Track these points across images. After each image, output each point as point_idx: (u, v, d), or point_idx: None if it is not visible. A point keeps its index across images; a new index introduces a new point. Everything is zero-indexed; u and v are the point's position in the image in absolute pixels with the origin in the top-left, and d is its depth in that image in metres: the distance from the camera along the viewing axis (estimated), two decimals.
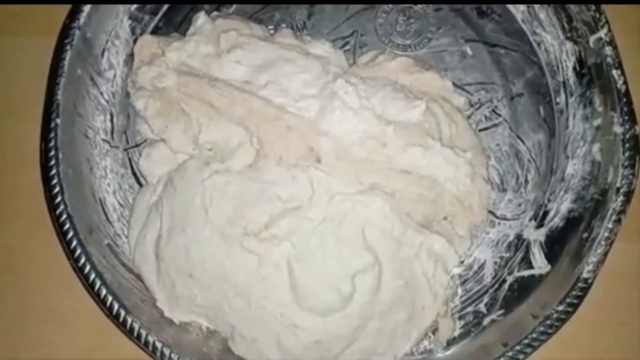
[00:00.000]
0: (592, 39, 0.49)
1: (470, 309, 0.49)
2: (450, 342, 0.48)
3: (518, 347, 0.45)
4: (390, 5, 0.53)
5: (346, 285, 0.44)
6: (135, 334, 0.45)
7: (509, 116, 0.51)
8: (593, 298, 0.46)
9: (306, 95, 0.46)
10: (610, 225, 0.46)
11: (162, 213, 0.46)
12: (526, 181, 0.50)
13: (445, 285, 0.48)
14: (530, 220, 0.50)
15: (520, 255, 0.49)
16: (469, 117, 0.51)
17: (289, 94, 0.46)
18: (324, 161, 0.45)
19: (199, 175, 0.46)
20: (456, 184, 0.47)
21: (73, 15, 0.49)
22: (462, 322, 0.49)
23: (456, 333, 0.48)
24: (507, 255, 0.50)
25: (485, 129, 0.51)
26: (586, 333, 0.49)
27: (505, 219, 0.50)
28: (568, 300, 0.45)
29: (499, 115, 0.51)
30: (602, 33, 0.48)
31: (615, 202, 0.46)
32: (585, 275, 0.46)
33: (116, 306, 0.45)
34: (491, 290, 0.49)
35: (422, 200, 0.46)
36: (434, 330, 0.48)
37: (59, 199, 0.46)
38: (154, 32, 0.52)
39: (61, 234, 0.46)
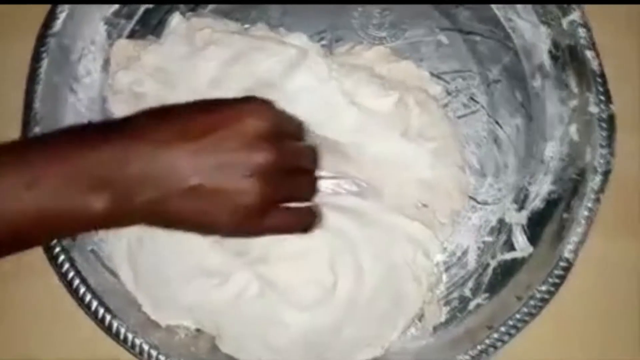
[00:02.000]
0: (565, 21, 0.49)
1: (455, 294, 0.49)
2: (436, 328, 0.48)
3: (503, 329, 0.46)
4: None
5: (326, 274, 0.45)
6: (122, 337, 0.45)
7: (487, 102, 0.52)
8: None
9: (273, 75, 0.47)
10: (589, 205, 0.47)
11: None
12: (506, 165, 0.51)
13: (429, 272, 0.48)
14: (511, 203, 0.50)
15: (503, 238, 0.50)
16: (446, 105, 0.52)
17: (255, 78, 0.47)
18: None
19: None
20: (417, 172, 0.48)
21: (48, 23, 0.49)
22: (448, 308, 0.49)
23: (442, 319, 0.49)
24: (490, 239, 0.50)
25: (464, 116, 0.52)
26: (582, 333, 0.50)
27: (487, 203, 0.51)
28: (551, 280, 0.46)
29: (477, 102, 0.52)
30: (575, 15, 0.49)
31: (594, 182, 0.47)
32: (566, 255, 0.46)
33: (101, 311, 0.45)
34: (475, 275, 0.50)
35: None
36: (420, 318, 0.48)
37: None
38: (131, 35, 0.53)
39: (47, 245, 0.46)
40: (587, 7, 0.49)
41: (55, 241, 0.46)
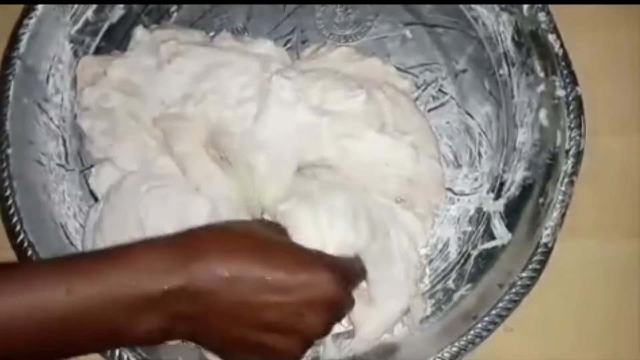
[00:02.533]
0: (525, 7, 0.49)
1: (439, 286, 0.49)
2: (422, 322, 0.48)
3: (487, 319, 0.45)
4: None
5: None
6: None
7: (456, 93, 0.52)
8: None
9: (244, 99, 0.47)
10: (563, 188, 0.47)
11: (102, 231, 0.47)
12: (480, 155, 0.51)
13: (416, 264, 0.48)
14: (488, 192, 0.50)
15: (482, 228, 0.50)
16: (416, 99, 0.52)
17: (227, 102, 0.47)
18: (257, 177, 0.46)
19: (135, 191, 0.46)
20: (399, 167, 0.47)
21: (12, 46, 0.49)
22: (433, 301, 0.49)
23: (428, 312, 0.49)
24: (469, 229, 0.50)
25: (434, 108, 0.52)
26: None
27: (464, 194, 0.51)
28: (531, 266, 0.46)
29: (446, 93, 0.52)
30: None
31: (566, 165, 0.47)
32: (544, 240, 0.46)
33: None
34: (457, 267, 0.50)
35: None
36: (406, 312, 0.48)
37: (18, 227, 0.47)
38: (97, 52, 0.53)
39: (24, 260, 0.46)
40: (555, 8, 0.49)
41: (26, 244, 0.46)
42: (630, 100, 0.52)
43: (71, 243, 0.49)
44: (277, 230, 0.43)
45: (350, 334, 0.47)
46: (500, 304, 0.46)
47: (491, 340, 0.46)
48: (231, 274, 0.36)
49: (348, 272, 0.42)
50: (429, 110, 0.52)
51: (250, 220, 0.47)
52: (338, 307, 0.40)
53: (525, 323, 0.48)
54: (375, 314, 0.46)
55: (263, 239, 0.40)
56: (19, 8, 0.50)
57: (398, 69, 0.52)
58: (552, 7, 0.49)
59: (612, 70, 0.52)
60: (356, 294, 0.43)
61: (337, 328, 0.47)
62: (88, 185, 0.50)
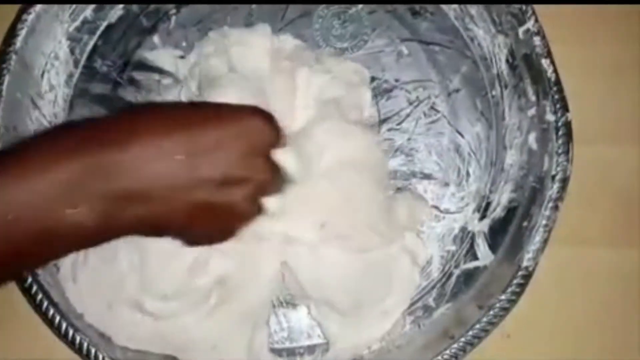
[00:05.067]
0: (520, 30, 0.49)
1: (419, 304, 0.49)
2: (400, 338, 0.48)
3: (464, 339, 0.45)
4: (326, 10, 0.54)
5: None
6: (85, 351, 0.45)
7: (448, 111, 0.52)
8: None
9: None
10: (547, 213, 0.47)
11: None
12: (468, 174, 0.51)
13: (411, 294, 0.49)
14: (473, 212, 0.51)
15: (465, 247, 0.50)
16: (408, 115, 0.52)
17: None
18: None
19: None
20: None
21: (9, 40, 0.49)
22: (412, 317, 0.49)
23: (407, 328, 0.49)
24: (453, 248, 0.50)
25: (425, 125, 0.52)
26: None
27: (450, 212, 0.51)
28: (510, 289, 0.46)
29: (438, 111, 0.52)
30: (529, 24, 0.49)
31: (552, 190, 0.47)
32: (525, 263, 0.46)
33: (64, 325, 0.45)
34: (439, 285, 0.50)
35: None
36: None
37: None
38: (94, 50, 0.53)
39: None
40: (544, 17, 0.49)
41: None
42: (621, 109, 0.53)
43: None
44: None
45: (326, 347, 0.48)
46: (478, 325, 0.46)
47: (488, 347, 0.47)
48: (157, 140, 0.35)
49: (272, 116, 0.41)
50: (420, 127, 0.52)
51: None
52: (272, 145, 0.39)
53: (522, 329, 0.49)
54: (354, 335, 0.46)
55: (184, 105, 0.40)
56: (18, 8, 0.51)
57: (393, 84, 0.52)
58: (542, 15, 0.49)
59: (602, 80, 0.53)
60: (338, 311, 0.44)
61: (314, 339, 0.48)
62: None
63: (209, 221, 0.38)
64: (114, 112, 0.51)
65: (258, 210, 0.40)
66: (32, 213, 0.34)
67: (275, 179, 0.41)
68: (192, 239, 0.41)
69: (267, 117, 0.39)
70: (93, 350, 0.45)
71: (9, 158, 0.35)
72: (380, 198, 0.48)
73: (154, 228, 0.38)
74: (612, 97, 0.53)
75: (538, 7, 0.49)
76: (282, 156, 0.41)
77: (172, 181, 0.36)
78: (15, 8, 0.50)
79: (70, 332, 0.45)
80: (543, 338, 0.50)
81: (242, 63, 0.46)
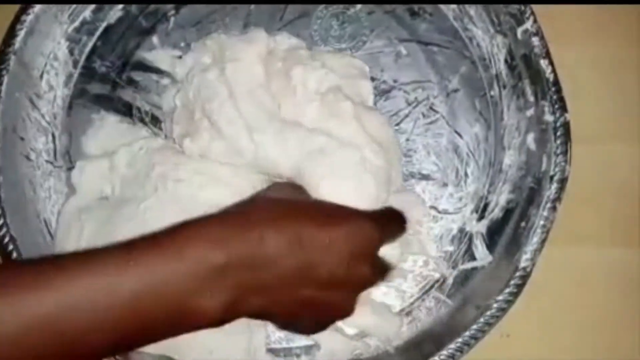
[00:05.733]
0: (519, 31, 0.49)
1: (416, 304, 0.49)
2: (397, 339, 0.48)
3: (461, 340, 0.45)
4: (325, 11, 0.54)
5: None
6: None
7: (446, 112, 0.52)
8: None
9: None
10: (545, 213, 0.47)
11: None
12: (466, 175, 0.51)
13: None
14: (472, 212, 0.51)
15: (463, 248, 0.50)
16: (407, 115, 0.52)
17: None
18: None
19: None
20: None
21: (8, 40, 0.49)
22: (410, 318, 0.49)
23: (404, 329, 0.49)
24: (451, 249, 0.50)
25: (424, 125, 0.52)
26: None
27: (448, 213, 0.51)
28: (508, 290, 0.46)
29: (437, 111, 0.52)
30: (528, 24, 0.49)
31: (550, 190, 0.47)
32: (523, 264, 0.46)
33: None
34: (436, 285, 0.50)
35: None
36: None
37: (1, 221, 0.47)
38: (93, 51, 0.53)
39: (5, 255, 0.47)
40: (543, 16, 0.49)
41: (15, 255, 0.46)
42: (620, 108, 0.53)
43: (53, 239, 0.49)
44: (296, 191, 0.44)
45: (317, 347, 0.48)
46: (475, 326, 0.46)
47: (487, 347, 0.47)
48: (286, 237, 0.36)
49: (383, 218, 0.42)
50: (419, 127, 0.52)
51: (273, 185, 0.46)
52: (378, 247, 0.40)
53: (521, 329, 0.49)
54: (342, 341, 0.47)
55: (299, 201, 0.41)
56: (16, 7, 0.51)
57: (391, 84, 0.52)
58: (541, 15, 0.49)
59: (602, 79, 0.53)
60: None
61: (304, 341, 0.48)
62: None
63: (309, 316, 0.40)
64: (115, 114, 0.52)
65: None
66: (170, 295, 0.34)
67: (379, 276, 0.42)
68: (291, 328, 0.43)
69: (375, 220, 0.40)
70: None
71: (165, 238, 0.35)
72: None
73: (260, 317, 0.39)
74: (612, 96, 0.53)
75: (537, 7, 0.49)
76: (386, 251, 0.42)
77: (292, 276, 0.37)
78: (14, 8, 0.51)
79: None
80: (542, 338, 0.50)
81: (237, 76, 0.46)
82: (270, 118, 0.45)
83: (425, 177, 0.51)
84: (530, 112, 0.49)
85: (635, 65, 0.52)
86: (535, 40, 0.48)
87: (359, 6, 0.53)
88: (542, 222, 0.46)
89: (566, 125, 0.47)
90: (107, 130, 0.52)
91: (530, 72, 0.49)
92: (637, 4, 0.53)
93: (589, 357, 0.49)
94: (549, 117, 0.48)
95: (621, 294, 0.50)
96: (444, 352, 0.45)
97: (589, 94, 0.52)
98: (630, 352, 0.49)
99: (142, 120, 0.52)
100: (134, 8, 0.54)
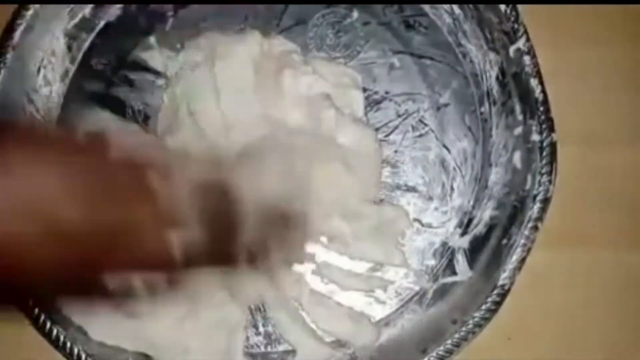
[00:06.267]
0: (512, 49, 0.49)
1: (394, 316, 0.50)
2: (373, 350, 0.48)
3: (435, 354, 0.46)
4: (321, 19, 0.54)
5: None
6: (61, 343, 0.46)
7: (436, 126, 0.52)
8: None
9: None
10: (526, 232, 0.47)
11: None
12: (452, 189, 0.51)
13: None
14: (455, 227, 0.51)
15: (445, 262, 0.50)
16: (396, 127, 0.52)
17: None
18: None
19: None
20: None
21: (6, 35, 0.50)
22: (388, 329, 0.49)
23: (381, 340, 0.49)
24: (432, 262, 0.50)
25: (413, 138, 0.52)
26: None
27: (431, 226, 0.51)
28: (485, 306, 0.46)
29: (426, 124, 0.52)
30: (520, 43, 0.49)
31: (532, 210, 0.47)
32: (501, 282, 0.46)
33: (42, 317, 0.46)
34: (416, 298, 0.50)
35: None
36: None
37: None
38: (91, 48, 0.54)
39: None
40: (533, 19, 0.49)
41: None
42: (617, 111, 0.52)
43: None
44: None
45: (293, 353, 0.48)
46: (450, 341, 0.46)
47: (488, 349, 0.47)
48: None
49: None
50: (407, 140, 0.52)
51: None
52: None
53: (522, 332, 0.49)
54: (319, 348, 0.47)
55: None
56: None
57: (382, 95, 0.52)
58: (532, 17, 0.49)
59: (602, 81, 0.52)
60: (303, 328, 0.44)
61: (282, 346, 0.48)
62: None
63: None
64: (108, 111, 0.52)
65: None
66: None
67: None
68: None
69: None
70: (69, 344, 0.46)
71: None
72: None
73: None
74: (609, 99, 0.52)
75: (527, 8, 0.49)
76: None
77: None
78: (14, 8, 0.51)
79: (48, 324, 0.46)
80: (543, 341, 0.50)
81: (225, 74, 0.47)
82: (252, 118, 0.46)
83: (411, 190, 0.51)
84: (518, 130, 0.49)
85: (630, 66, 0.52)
86: (526, 59, 0.48)
87: (355, 16, 0.54)
88: (522, 241, 0.46)
89: (552, 146, 0.47)
90: (99, 127, 0.52)
91: (520, 90, 0.49)
92: (630, 4, 0.53)
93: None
94: (535, 137, 0.48)
95: (624, 296, 0.50)
96: None
97: (586, 97, 0.51)
98: (632, 355, 0.49)
99: (134, 119, 0.53)
100: (133, 7, 0.54)
